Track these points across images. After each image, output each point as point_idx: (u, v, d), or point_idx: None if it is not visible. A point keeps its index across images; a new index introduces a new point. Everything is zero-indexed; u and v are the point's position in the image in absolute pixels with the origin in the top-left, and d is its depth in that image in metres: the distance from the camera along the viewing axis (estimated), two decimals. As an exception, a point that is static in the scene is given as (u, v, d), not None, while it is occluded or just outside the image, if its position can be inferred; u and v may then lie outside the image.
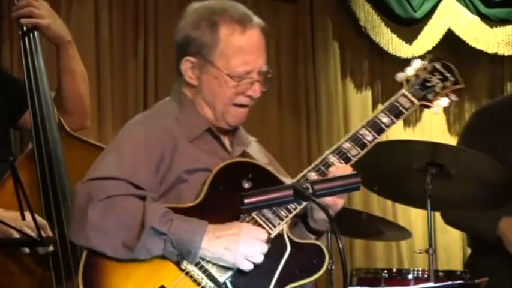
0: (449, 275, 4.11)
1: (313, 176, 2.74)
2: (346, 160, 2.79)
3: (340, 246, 2.25)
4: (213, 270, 2.64)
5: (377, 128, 2.86)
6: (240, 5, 2.87)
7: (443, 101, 2.97)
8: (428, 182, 3.75)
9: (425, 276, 4.01)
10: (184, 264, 2.63)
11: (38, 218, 2.90)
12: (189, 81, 2.84)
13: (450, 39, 6.17)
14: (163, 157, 2.73)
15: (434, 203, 3.80)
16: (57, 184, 3.14)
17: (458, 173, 3.79)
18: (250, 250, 2.62)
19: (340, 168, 2.74)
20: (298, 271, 2.67)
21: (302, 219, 2.79)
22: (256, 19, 2.84)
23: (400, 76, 2.98)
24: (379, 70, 6.13)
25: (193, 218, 2.65)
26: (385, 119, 2.87)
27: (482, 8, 6.22)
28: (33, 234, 2.91)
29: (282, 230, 2.71)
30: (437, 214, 4.64)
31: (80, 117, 3.45)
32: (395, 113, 2.89)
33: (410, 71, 2.99)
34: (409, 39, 6.04)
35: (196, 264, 2.63)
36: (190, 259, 2.62)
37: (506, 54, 6.30)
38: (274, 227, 2.69)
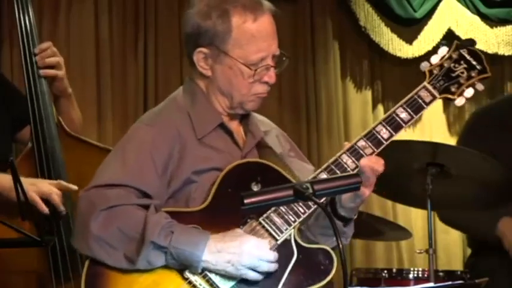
0: (449, 275, 4.10)
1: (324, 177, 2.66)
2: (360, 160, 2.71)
3: (340, 246, 2.24)
4: (217, 280, 2.61)
5: (394, 124, 2.73)
6: None
7: (468, 92, 2.79)
8: (428, 182, 3.74)
9: (425, 276, 4.01)
10: (187, 274, 2.60)
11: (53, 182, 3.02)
12: (203, 72, 2.77)
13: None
14: (171, 158, 2.67)
15: (434, 203, 3.80)
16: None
17: (458, 173, 3.79)
18: (254, 261, 2.58)
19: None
20: (305, 277, 2.62)
21: (330, 205, 2.73)
22: (266, 3, 2.76)
23: (424, 66, 2.81)
24: (379, 70, 6.11)
25: (195, 228, 2.61)
26: (403, 114, 2.74)
27: (482, 8, 6.20)
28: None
29: (290, 235, 2.66)
30: (437, 214, 4.64)
31: None
32: (415, 107, 2.74)
33: (435, 59, 2.82)
34: (409, 39, 6.02)
35: (200, 273, 2.60)
36: (193, 270, 2.59)
37: (506, 54, 6.28)
38: (282, 232, 2.65)
